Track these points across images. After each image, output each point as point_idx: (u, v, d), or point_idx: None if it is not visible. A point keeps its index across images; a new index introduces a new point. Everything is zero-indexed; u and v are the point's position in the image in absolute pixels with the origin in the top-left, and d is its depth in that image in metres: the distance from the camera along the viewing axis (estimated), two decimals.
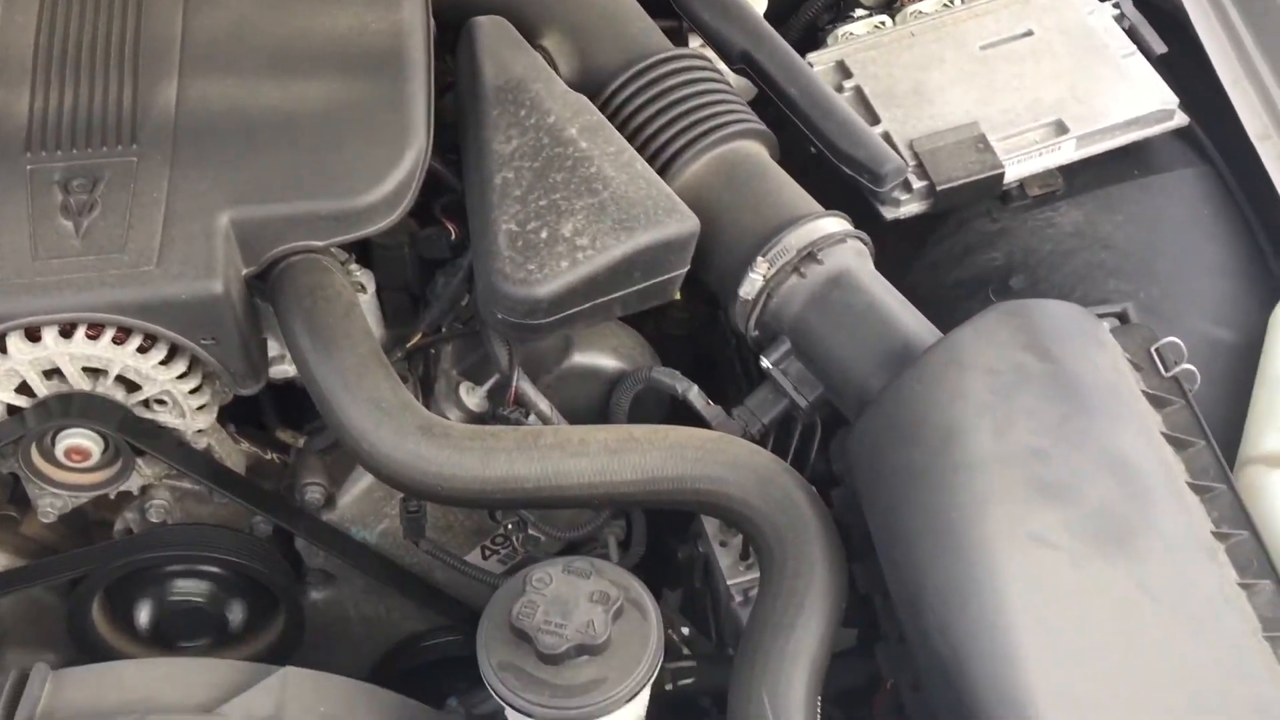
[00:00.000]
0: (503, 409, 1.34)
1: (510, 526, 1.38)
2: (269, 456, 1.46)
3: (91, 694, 1.11)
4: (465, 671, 1.37)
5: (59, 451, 1.27)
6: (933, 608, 1.03)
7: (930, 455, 1.10)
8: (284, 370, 1.37)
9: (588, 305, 1.26)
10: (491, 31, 1.42)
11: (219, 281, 1.20)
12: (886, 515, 1.12)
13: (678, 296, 1.56)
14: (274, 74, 1.31)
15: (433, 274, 1.43)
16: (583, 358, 1.39)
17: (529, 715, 1.01)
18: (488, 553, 1.53)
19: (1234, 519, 1.10)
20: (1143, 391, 1.18)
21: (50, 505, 1.36)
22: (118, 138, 1.25)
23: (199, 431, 1.33)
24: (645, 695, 1.07)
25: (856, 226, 1.35)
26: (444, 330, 1.42)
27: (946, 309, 1.33)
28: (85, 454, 1.28)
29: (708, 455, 1.18)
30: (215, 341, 1.24)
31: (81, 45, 1.31)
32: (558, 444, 1.18)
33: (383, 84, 1.31)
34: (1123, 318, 1.30)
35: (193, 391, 1.28)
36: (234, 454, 1.41)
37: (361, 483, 1.43)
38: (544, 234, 1.25)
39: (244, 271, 1.25)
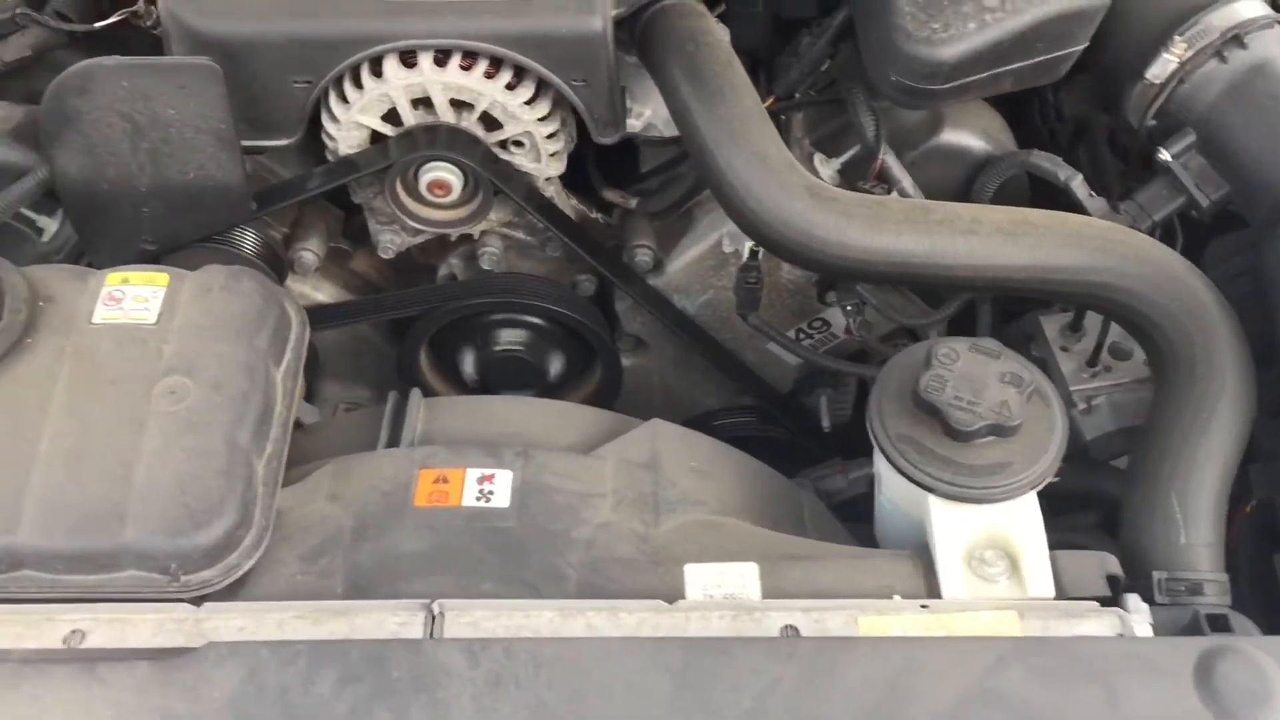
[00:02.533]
0: (863, 183, 1.27)
1: (850, 309, 1.32)
2: (594, 216, 1.43)
3: (465, 423, 1.10)
4: (754, 453, 1.34)
5: (422, 185, 1.26)
6: None
7: None
8: (629, 124, 1.32)
9: (986, 75, 1.17)
10: None
11: (599, 18, 1.15)
12: None
13: None
14: None
15: (789, 35, 1.35)
16: (953, 135, 1.30)
17: (929, 490, 0.97)
18: (801, 336, 1.49)
19: None
20: None
21: (390, 242, 1.36)
22: None
23: (547, 180, 1.30)
24: (1040, 486, 1.02)
25: None
26: (797, 96, 1.34)
27: None
28: (447, 188, 1.26)
29: (1109, 246, 1.10)
30: (586, 84, 1.19)
31: None
32: (947, 219, 1.11)
33: None
34: None
35: (550, 136, 1.25)
36: (568, 209, 1.38)
37: (693, 250, 1.39)
38: None
39: (612, 13, 1.19)
